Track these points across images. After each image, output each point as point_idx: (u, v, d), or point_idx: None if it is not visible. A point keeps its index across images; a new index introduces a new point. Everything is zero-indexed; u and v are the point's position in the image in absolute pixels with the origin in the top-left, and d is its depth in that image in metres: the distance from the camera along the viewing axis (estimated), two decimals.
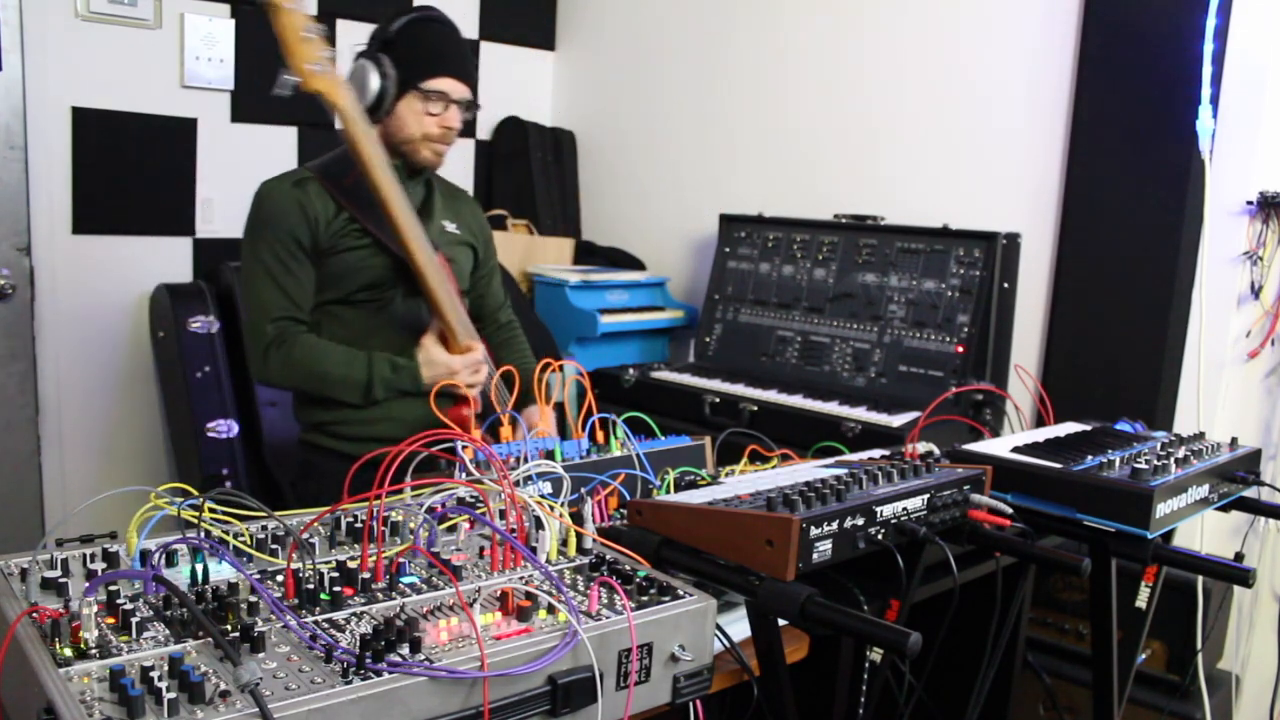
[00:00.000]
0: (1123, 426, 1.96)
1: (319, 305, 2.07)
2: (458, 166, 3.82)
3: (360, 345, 2.04)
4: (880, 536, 1.30)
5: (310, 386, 2.05)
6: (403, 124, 2.04)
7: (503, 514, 1.31)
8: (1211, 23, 2.41)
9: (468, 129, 3.79)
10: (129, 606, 0.99)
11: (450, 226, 2.21)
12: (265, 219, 2.01)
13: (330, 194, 2.02)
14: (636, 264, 3.72)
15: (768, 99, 3.39)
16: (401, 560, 1.16)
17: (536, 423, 2.06)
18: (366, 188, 1.95)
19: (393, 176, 1.92)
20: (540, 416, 2.08)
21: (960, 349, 2.67)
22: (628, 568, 1.20)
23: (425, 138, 2.05)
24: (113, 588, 1.04)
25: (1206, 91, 2.43)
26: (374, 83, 2.00)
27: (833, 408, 2.58)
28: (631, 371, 2.99)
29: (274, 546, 1.21)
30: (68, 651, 0.91)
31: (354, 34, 3.40)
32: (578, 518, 1.29)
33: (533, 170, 3.82)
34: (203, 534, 1.19)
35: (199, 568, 1.10)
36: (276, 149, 3.29)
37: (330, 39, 3.32)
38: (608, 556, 1.23)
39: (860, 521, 1.26)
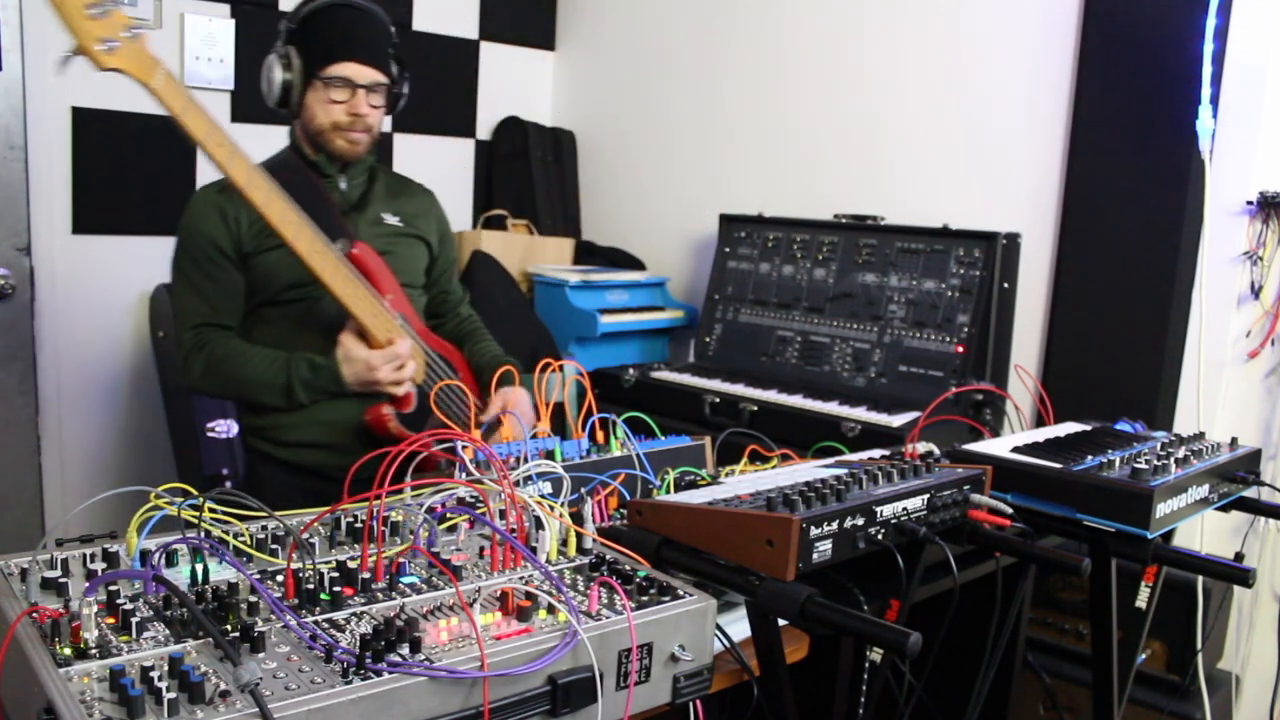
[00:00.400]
0: (1123, 426, 1.96)
1: (252, 309, 2.05)
2: (458, 166, 3.82)
3: (290, 346, 2.00)
4: (880, 536, 1.30)
5: (233, 392, 2.04)
6: (312, 115, 2.01)
7: (503, 514, 1.31)
8: (1211, 23, 2.41)
9: (464, 127, 3.80)
10: (129, 606, 0.99)
11: (390, 219, 2.16)
12: (187, 227, 2.01)
13: None
14: (636, 264, 3.72)
15: (768, 99, 3.39)
16: (401, 560, 1.16)
17: (513, 404, 2.05)
18: (296, 187, 1.94)
19: (246, 162, 1.81)
20: (517, 400, 2.07)
21: (960, 349, 2.67)
22: (628, 568, 1.20)
23: (335, 127, 2.01)
24: (113, 588, 1.04)
25: (1206, 91, 2.42)
26: (277, 76, 1.98)
27: (833, 408, 2.58)
28: (631, 371, 2.99)
29: (274, 546, 1.21)
30: (68, 651, 0.91)
31: None
32: (578, 518, 1.29)
33: (533, 170, 3.82)
34: (203, 534, 1.19)
35: (199, 568, 1.11)
36: (276, 148, 3.28)
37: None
38: (608, 556, 1.23)
39: (860, 521, 1.26)
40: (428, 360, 2.09)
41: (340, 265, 1.89)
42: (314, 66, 1.98)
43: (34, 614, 0.97)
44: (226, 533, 1.21)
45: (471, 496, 1.42)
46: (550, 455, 1.55)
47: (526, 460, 1.50)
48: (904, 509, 1.33)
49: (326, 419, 2.02)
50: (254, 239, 1.99)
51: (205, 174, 3.14)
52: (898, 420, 2.44)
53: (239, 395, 2.06)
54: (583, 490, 1.43)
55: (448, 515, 1.32)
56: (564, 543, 1.26)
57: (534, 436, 1.61)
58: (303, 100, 2.01)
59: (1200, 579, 2.26)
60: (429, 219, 2.26)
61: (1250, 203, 2.49)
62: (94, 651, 0.92)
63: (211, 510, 1.22)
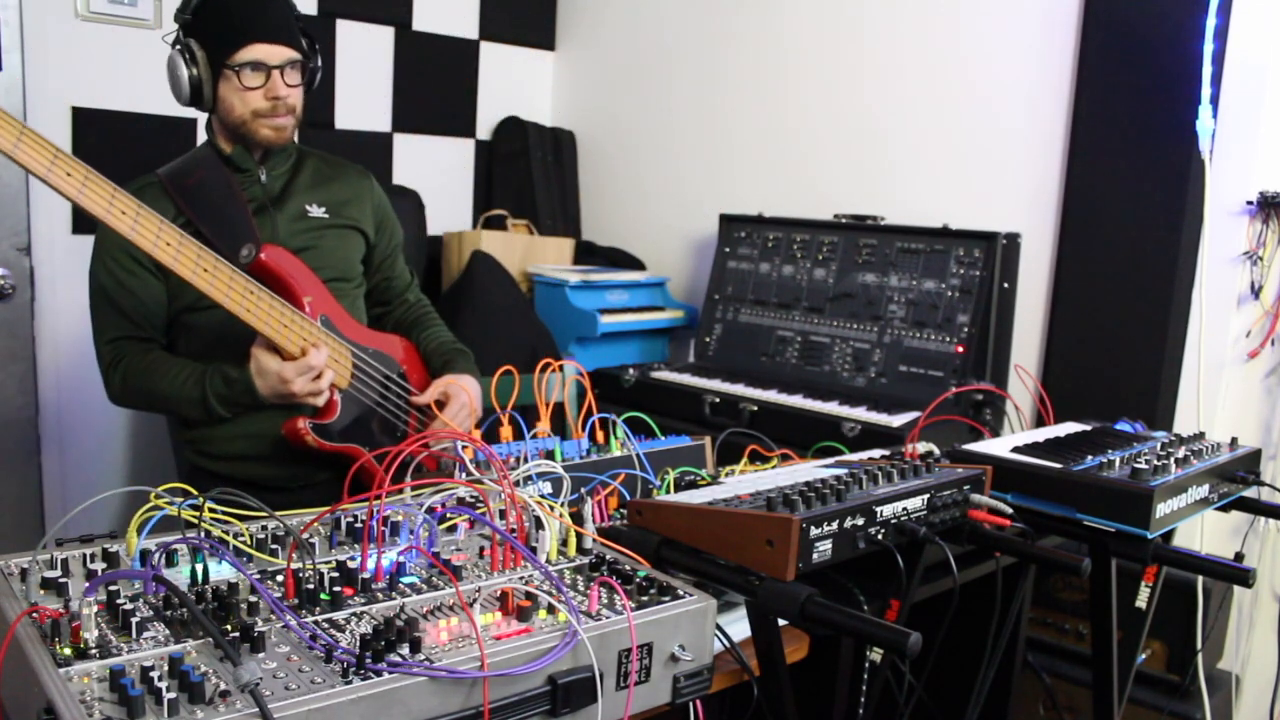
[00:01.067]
0: (1123, 426, 1.96)
1: (175, 317, 1.93)
2: (458, 166, 3.82)
3: (214, 356, 1.89)
4: (880, 536, 1.30)
5: (153, 407, 1.95)
6: (229, 107, 1.87)
7: (503, 514, 1.31)
8: (1211, 23, 2.41)
9: (464, 127, 3.80)
10: (129, 606, 0.99)
11: (315, 210, 2.01)
12: (101, 235, 1.91)
13: (171, 197, 1.90)
14: (636, 264, 3.72)
15: (768, 99, 3.39)
16: (401, 560, 1.16)
17: (454, 392, 1.99)
18: (210, 187, 1.86)
19: (103, 188, 1.59)
20: (460, 388, 1.99)
21: (960, 349, 2.67)
22: (628, 568, 1.20)
23: (255, 115, 1.87)
24: (113, 588, 1.04)
25: (1206, 91, 2.42)
26: (183, 73, 1.85)
27: (833, 408, 2.58)
28: (631, 371, 2.99)
29: (274, 546, 1.21)
30: (68, 651, 0.91)
31: (354, 34, 3.41)
32: (578, 518, 1.29)
33: (533, 170, 3.82)
34: (203, 534, 1.19)
35: (199, 568, 1.11)
36: None
37: (329, 41, 3.34)
38: (608, 556, 1.23)
39: (860, 521, 1.26)
40: (356, 361, 1.95)
41: (235, 279, 1.72)
42: (219, 56, 1.84)
43: (34, 614, 0.97)
44: (226, 533, 1.21)
45: (471, 496, 1.42)
46: (550, 455, 1.55)
47: (526, 460, 1.50)
48: (904, 509, 1.33)
49: (253, 430, 1.92)
50: None
51: None
52: (898, 420, 2.44)
53: (158, 409, 1.97)
54: (583, 490, 1.43)
55: (448, 515, 1.32)
56: (564, 543, 1.26)
57: (534, 436, 1.61)
58: (216, 93, 1.87)
59: (1200, 579, 2.26)
60: (363, 204, 2.11)
61: (1250, 203, 2.49)
62: (94, 651, 0.92)
63: (211, 510, 1.22)
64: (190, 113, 3.06)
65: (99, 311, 1.92)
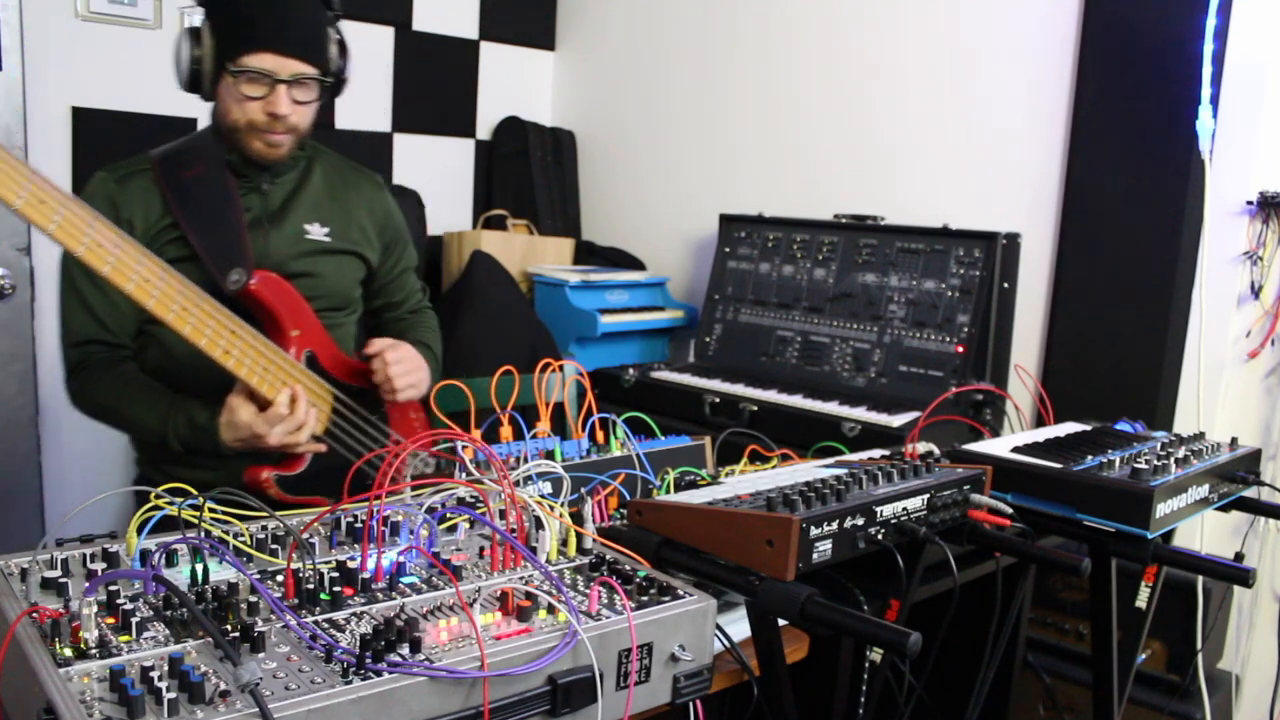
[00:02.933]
0: (1123, 426, 1.96)
1: (146, 324, 1.76)
2: (458, 166, 3.82)
3: (182, 376, 1.75)
4: (880, 536, 1.30)
5: (110, 423, 1.80)
6: (224, 110, 1.69)
7: (503, 514, 1.31)
8: (1211, 23, 2.41)
9: (464, 127, 3.80)
10: (129, 606, 0.99)
11: (316, 231, 1.83)
12: None
13: (161, 189, 1.71)
14: (636, 264, 3.72)
15: (768, 99, 3.39)
16: (401, 560, 1.16)
17: (392, 357, 1.80)
18: (207, 188, 1.69)
19: (82, 216, 1.43)
20: (399, 354, 1.81)
21: (960, 349, 2.67)
22: (628, 568, 1.20)
23: (250, 126, 1.68)
24: (113, 588, 1.04)
25: (1206, 91, 2.42)
26: (185, 54, 1.65)
27: (833, 408, 2.58)
28: (631, 371, 2.99)
29: (274, 546, 1.21)
30: (68, 651, 0.91)
31: (354, 34, 3.40)
32: (578, 518, 1.29)
33: (533, 170, 3.82)
34: (203, 534, 1.19)
35: (199, 568, 1.10)
36: None
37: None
38: (608, 556, 1.23)
39: (860, 521, 1.26)
40: (337, 405, 1.80)
41: (215, 317, 1.58)
42: (224, 53, 1.64)
43: (34, 614, 0.97)
44: (226, 533, 1.21)
45: (471, 496, 1.42)
46: (550, 455, 1.55)
47: (526, 460, 1.50)
48: (904, 509, 1.33)
49: (215, 464, 1.76)
50: (147, 245, 1.64)
51: None
52: (898, 420, 2.44)
53: (114, 426, 1.81)
54: (583, 490, 1.43)
55: (448, 515, 1.32)
56: (564, 543, 1.26)
57: (534, 436, 1.61)
58: (215, 89, 1.69)
59: (1200, 579, 2.26)
60: (372, 223, 1.94)
61: (1250, 203, 2.49)
62: (94, 651, 0.92)
63: (211, 510, 1.22)
64: (191, 111, 3.07)
65: (68, 310, 1.76)
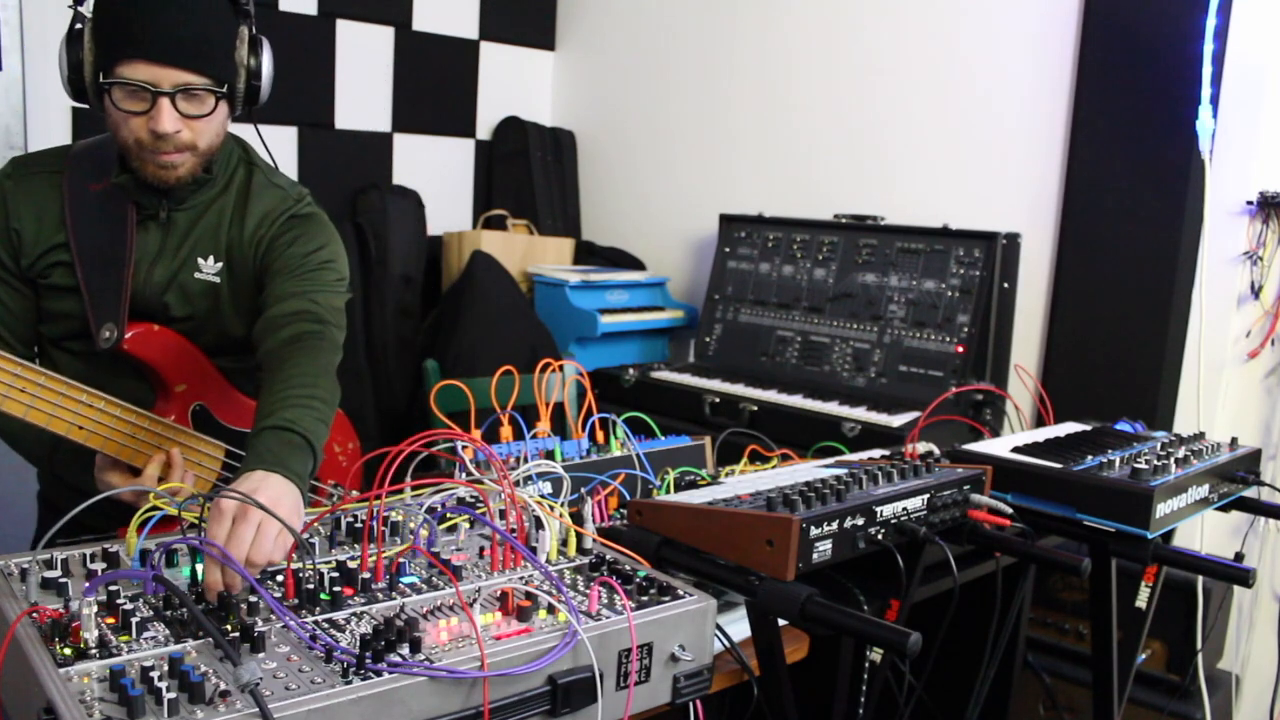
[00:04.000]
0: (1123, 426, 1.96)
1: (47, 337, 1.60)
2: (458, 166, 3.82)
3: (96, 383, 1.51)
4: (880, 536, 1.30)
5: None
6: (112, 124, 1.44)
7: (503, 514, 1.31)
8: (1211, 23, 2.41)
9: (464, 127, 3.80)
10: (129, 606, 1.00)
11: (208, 268, 1.58)
12: None
13: (62, 199, 1.52)
14: (636, 264, 3.72)
15: (768, 99, 3.39)
16: (401, 560, 1.16)
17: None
18: (107, 212, 1.50)
19: None
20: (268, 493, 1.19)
21: (960, 349, 2.67)
22: (628, 568, 1.20)
23: (138, 145, 1.43)
24: (113, 588, 1.04)
25: (1206, 91, 2.43)
26: (64, 64, 1.43)
27: (833, 408, 2.58)
28: (631, 371, 2.99)
29: None
30: (68, 651, 0.91)
31: (354, 34, 3.41)
32: (578, 518, 1.29)
33: (533, 170, 3.82)
34: (203, 534, 1.19)
35: (199, 568, 1.10)
36: (275, 149, 3.27)
37: (329, 41, 3.33)
38: (608, 556, 1.23)
39: (860, 521, 1.26)
40: (229, 460, 1.63)
41: (64, 397, 1.42)
42: (100, 62, 1.39)
43: (34, 614, 0.97)
44: None
45: (471, 496, 1.42)
46: (550, 455, 1.55)
47: (526, 460, 1.50)
48: (904, 509, 1.33)
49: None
50: (33, 259, 1.50)
51: None
52: (898, 420, 2.44)
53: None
54: (583, 490, 1.43)
55: (448, 515, 1.32)
56: (564, 543, 1.26)
57: (534, 436, 1.61)
58: (100, 102, 1.43)
59: (1200, 579, 2.26)
60: (267, 241, 1.61)
61: (1250, 203, 2.49)
62: (94, 651, 0.92)
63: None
64: None
65: None
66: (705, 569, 1.22)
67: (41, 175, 1.54)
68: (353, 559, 1.17)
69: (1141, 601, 1.72)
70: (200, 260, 1.58)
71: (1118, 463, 1.57)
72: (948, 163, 2.98)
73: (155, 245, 1.56)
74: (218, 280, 1.59)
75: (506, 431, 1.64)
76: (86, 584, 0.97)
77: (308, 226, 1.63)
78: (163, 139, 1.41)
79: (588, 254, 3.80)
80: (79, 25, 1.42)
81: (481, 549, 1.24)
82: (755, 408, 2.67)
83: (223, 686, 0.87)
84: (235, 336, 1.63)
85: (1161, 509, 1.46)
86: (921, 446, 1.73)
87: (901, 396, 2.68)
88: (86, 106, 1.48)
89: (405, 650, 0.95)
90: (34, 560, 1.11)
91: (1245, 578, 1.47)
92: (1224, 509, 1.73)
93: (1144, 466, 1.50)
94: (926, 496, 1.37)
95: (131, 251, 1.52)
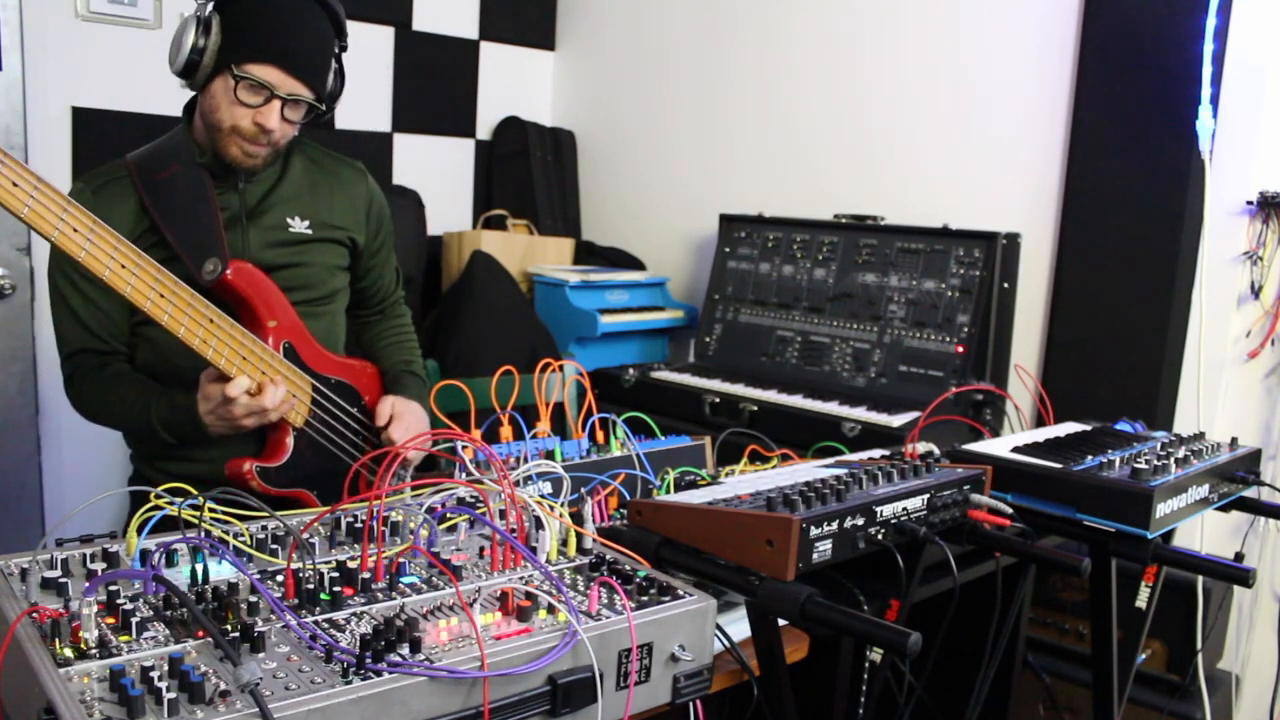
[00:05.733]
0: (1123, 426, 1.96)
1: (134, 327, 1.77)
2: (458, 166, 3.82)
3: (170, 370, 1.75)
4: (880, 536, 1.30)
5: (104, 422, 1.80)
6: (215, 104, 1.65)
7: (503, 514, 1.31)
8: (1211, 23, 2.41)
9: (464, 127, 3.80)
10: (129, 606, 0.99)
11: (298, 224, 1.83)
12: None
13: (138, 193, 1.71)
14: (636, 264, 3.72)
15: (768, 99, 3.39)
16: (401, 560, 1.16)
17: (400, 414, 1.84)
18: (182, 186, 1.68)
19: (55, 199, 1.42)
20: (406, 417, 1.85)
21: (960, 349, 2.67)
22: (628, 568, 1.20)
23: (234, 130, 1.66)
24: (113, 588, 1.04)
25: (1206, 91, 2.43)
26: (187, 43, 1.62)
27: (833, 408, 2.58)
28: (631, 371, 2.99)
29: (274, 546, 1.21)
30: (68, 651, 0.91)
31: (354, 34, 3.39)
32: (578, 518, 1.29)
33: (533, 170, 3.82)
34: (203, 534, 1.19)
35: (199, 568, 1.10)
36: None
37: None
38: (608, 556, 1.23)
39: (860, 521, 1.26)
40: (316, 396, 1.81)
41: (192, 306, 1.58)
42: (231, 54, 1.62)
43: (34, 614, 0.97)
44: (226, 533, 1.21)
45: (471, 496, 1.42)
46: (550, 455, 1.55)
47: (526, 460, 1.50)
48: (904, 509, 1.33)
49: (201, 456, 1.77)
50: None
51: None
52: (898, 420, 2.44)
53: (110, 425, 1.81)
54: (583, 490, 1.43)
55: (448, 515, 1.32)
56: (564, 543, 1.26)
57: (534, 436, 1.61)
58: (209, 83, 1.65)
59: (1200, 579, 2.26)
60: (356, 211, 1.93)
61: (1250, 203, 2.49)
62: (94, 651, 0.92)
63: (211, 510, 1.22)
64: None
65: (61, 322, 1.77)
66: (705, 569, 1.22)
67: (113, 183, 1.72)
68: (353, 559, 1.17)
69: (1141, 601, 1.72)
70: (289, 219, 1.82)
71: (1118, 463, 1.57)
72: (948, 163, 2.97)
73: (236, 209, 1.76)
74: (309, 232, 1.84)
75: (506, 431, 1.64)
76: (86, 584, 0.97)
77: (384, 204, 2.03)
78: (263, 132, 1.66)
79: (588, 254, 3.80)
80: (207, 13, 1.63)
81: (481, 549, 1.24)
82: (755, 408, 2.67)
83: (223, 686, 0.87)
84: (317, 284, 1.86)
85: (1161, 509, 1.46)
86: (921, 446, 1.73)
87: (901, 396, 2.68)
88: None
89: (405, 650, 0.95)
90: (34, 560, 1.11)
91: (1245, 578, 1.47)
92: (1224, 509, 1.73)
93: (1144, 466, 1.50)
94: (926, 496, 1.37)
95: (216, 210, 1.72)
